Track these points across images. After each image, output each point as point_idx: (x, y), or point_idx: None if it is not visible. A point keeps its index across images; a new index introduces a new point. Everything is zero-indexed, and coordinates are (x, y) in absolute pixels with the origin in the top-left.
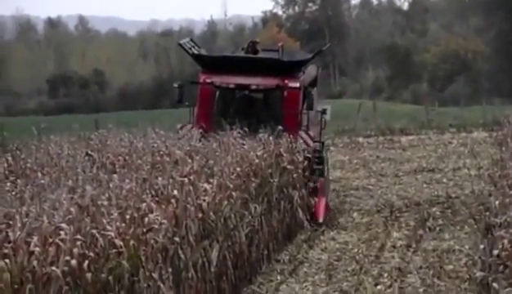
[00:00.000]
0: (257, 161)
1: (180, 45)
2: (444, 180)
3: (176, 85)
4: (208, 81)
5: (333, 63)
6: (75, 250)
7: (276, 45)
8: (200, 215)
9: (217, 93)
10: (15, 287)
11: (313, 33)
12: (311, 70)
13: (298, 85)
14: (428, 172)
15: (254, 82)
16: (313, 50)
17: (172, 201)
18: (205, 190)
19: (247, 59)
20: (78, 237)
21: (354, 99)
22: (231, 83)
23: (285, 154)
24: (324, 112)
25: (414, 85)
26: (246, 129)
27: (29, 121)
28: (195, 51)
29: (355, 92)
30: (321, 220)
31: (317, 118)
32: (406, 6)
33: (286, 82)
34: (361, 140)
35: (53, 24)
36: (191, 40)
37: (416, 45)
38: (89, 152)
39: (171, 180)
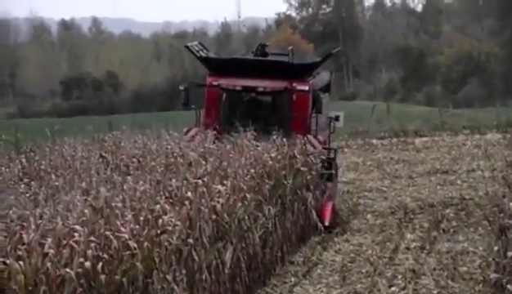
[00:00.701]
0: (270, 162)
1: (187, 47)
2: (458, 182)
3: (182, 87)
4: (214, 83)
5: (346, 65)
6: (89, 252)
7: (289, 47)
8: (214, 216)
9: (224, 96)
10: (30, 288)
11: (327, 34)
12: (323, 76)
13: (306, 88)
14: (442, 174)
15: (262, 84)
16: (327, 52)
17: (186, 203)
18: (219, 192)
19: (254, 61)
20: (92, 239)
21: (368, 101)
22: (237, 85)
23: (298, 156)
24: (337, 118)
25: (427, 87)
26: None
27: (42, 123)
28: (203, 54)
29: (368, 94)
30: (326, 224)
31: (326, 123)
32: (419, 8)
33: (295, 84)
34: (374, 141)
35: (67, 26)
36: (200, 43)
37: (430, 47)
38: (103, 154)
39: (185, 182)
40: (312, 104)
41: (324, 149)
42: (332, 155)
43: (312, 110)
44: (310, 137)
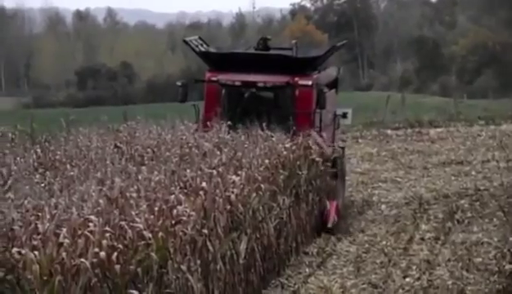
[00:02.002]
0: (285, 153)
1: (185, 42)
2: (473, 173)
3: (179, 83)
4: (212, 79)
5: (361, 55)
6: (104, 242)
7: (293, 41)
8: (229, 207)
9: (224, 92)
10: (45, 278)
11: (341, 25)
12: (330, 71)
13: (310, 83)
14: (456, 165)
15: (262, 79)
16: (342, 43)
17: (201, 193)
18: (234, 182)
19: (254, 55)
20: (107, 229)
21: (382, 91)
22: (236, 81)
23: (313, 146)
24: (345, 115)
25: (442, 77)
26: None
27: (57, 113)
28: (202, 49)
29: (383, 85)
30: (329, 226)
31: (331, 119)
32: None
33: (297, 79)
34: (389, 132)
35: (82, 16)
36: (199, 38)
37: (445, 37)
38: (118, 144)
39: (199, 172)
40: (316, 99)
41: (330, 146)
42: (337, 153)
43: (316, 106)
44: (313, 134)
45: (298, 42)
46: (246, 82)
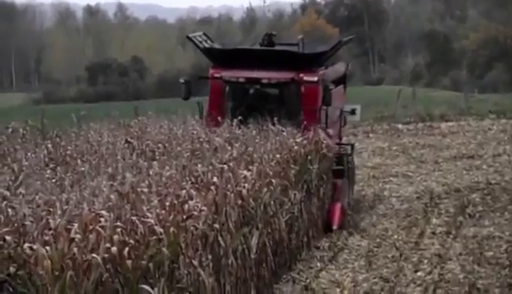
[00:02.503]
0: (296, 148)
1: (189, 38)
2: (484, 167)
3: (182, 81)
4: (216, 75)
5: (372, 50)
6: (115, 237)
7: (299, 36)
8: (240, 202)
9: (228, 89)
10: (56, 273)
11: (352, 19)
12: (338, 67)
13: (315, 79)
14: (467, 159)
15: (266, 75)
16: (351, 37)
17: (212, 188)
18: (245, 177)
19: (259, 51)
20: (119, 224)
21: (393, 85)
22: (240, 77)
23: (324, 141)
24: (353, 112)
25: (453, 71)
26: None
27: (68, 108)
28: (206, 45)
29: (394, 79)
30: (335, 227)
31: (338, 116)
32: None
33: (302, 75)
34: (400, 126)
35: (92, 11)
36: (204, 34)
37: (456, 31)
38: (129, 139)
39: (211, 167)
40: (322, 96)
41: (337, 144)
42: (344, 151)
43: (322, 103)
44: (319, 131)
45: (307, 37)
46: (250, 78)
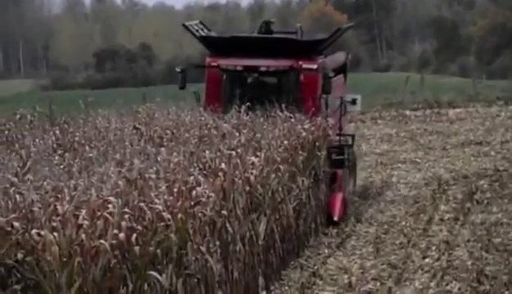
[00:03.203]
0: (304, 134)
1: (185, 26)
2: (492, 153)
3: (178, 69)
4: (213, 64)
5: (379, 36)
6: (123, 223)
7: (298, 24)
8: (248, 188)
9: (225, 77)
10: (64, 260)
11: (360, 5)
12: (338, 56)
13: (315, 67)
14: (475, 145)
15: (265, 63)
16: (361, 23)
17: (220, 174)
18: (253, 163)
19: (257, 39)
20: (126, 210)
21: (401, 72)
22: (238, 65)
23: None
24: (354, 101)
25: (461, 58)
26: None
27: (76, 95)
28: (203, 34)
29: (402, 65)
30: (335, 219)
31: (338, 105)
32: None
33: (301, 63)
34: (408, 113)
35: None
36: (201, 22)
37: (463, 18)
38: (137, 125)
39: (218, 154)
40: (322, 84)
41: (338, 134)
42: (344, 141)
43: (322, 91)
44: (319, 120)
45: (315, 23)
46: (248, 66)
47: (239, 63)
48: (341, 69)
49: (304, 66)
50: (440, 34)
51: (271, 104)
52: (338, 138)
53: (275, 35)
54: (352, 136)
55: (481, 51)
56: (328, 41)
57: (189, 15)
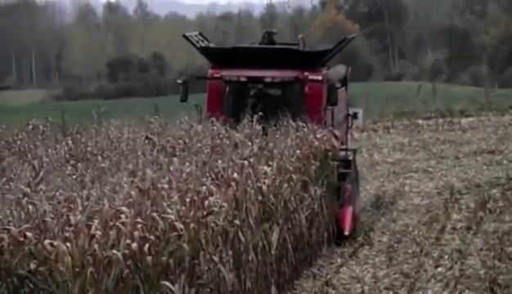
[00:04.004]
0: (316, 143)
1: (185, 37)
2: (504, 162)
3: (180, 81)
4: (216, 75)
5: (392, 45)
6: (136, 233)
7: (299, 36)
8: (260, 197)
9: (228, 89)
10: (77, 270)
11: (372, 15)
12: (339, 69)
13: (320, 78)
14: (488, 154)
15: (269, 74)
16: (373, 33)
17: (233, 184)
18: (265, 173)
19: (260, 50)
20: (139, 220)
21: (413, 81)
22: (241, 77)
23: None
24: (355, 116)
25: (473, 67)
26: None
27: (89, 104)
28: (203, 45)
29: (414, 74)
30: (346, 233)
31: (344, 117)
32: None
33: (306, 74)
34: (420, 122)
35: (112, 7)
36: (200, 34)
37: (475, 27)
38: (149, 135)
39: (231, 163)
40: (326, 96)
41: (342, 149)
42: (351, 156)
43: (327, 103)
44: (326, 132)
45: (327, 33)
46: (252, 77)
47: (242, 74)
48: (342, 82)
49: (310, 77)
50: (452, 43)
51: (276, 116)
52: (344, 152)
53: (278, 46)
54: (354, 150)
55: (493, 60)
56: (332, 51)
57: (201, 25)
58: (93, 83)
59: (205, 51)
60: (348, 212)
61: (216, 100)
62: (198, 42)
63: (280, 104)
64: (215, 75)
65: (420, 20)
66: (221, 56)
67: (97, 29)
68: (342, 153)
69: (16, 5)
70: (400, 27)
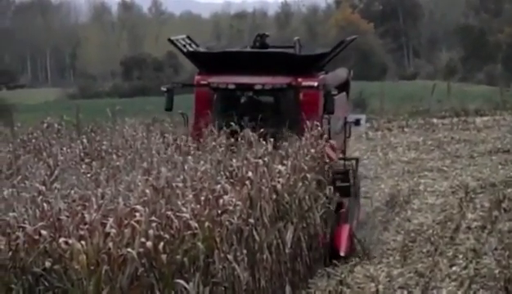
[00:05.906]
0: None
1: (171, 41)
2: None
3: (164, 89)
4: (203, 82)
5: (406, 44)
6: (150, 231)
7: (295, 38)
8: (275, 196)
9: (216, 97)
10: (91, 268)
11: (387, 14)
12: (340, 73)
13: (315, 84)
14: (503, 153)
15: (260, 81)
16: (387, 32)
17: (247, 182)
18: (279, 172)
19: (250, 54)
20: (154, 218)
21: (428, 80)
22: (230, 83)
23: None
24: (357, 122)
25: (488, 66)
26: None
27: (103, 103)
28: (190, 49)
29: (429, 73)
30: (342, 254)
31: (342, 125)
32: None
33: (301, 80)
34: (435, 121)
35: (127, 6)
36: (188, 37)
37: (490, 25)
38: (164, 134)
39: (245, 162)
40: (323, 103)
41: (341, 158)
42: (350, 167)
43: (324, 111)
44: (321, 143)
45: (341, 32)
46: (242, 84)
47: (231, 81)
48: (343, 87)
49: (304, 83)
50: (467, 42)
51: (268, 126)
52: (342, 163)
53: (270, 49)
54: (356, 160)
55: (508, 59)
56: (330, 55)
57: (216, 24)
58: (108, 82)
59: (192, 56)
60: (345, 231)
61: (203, 109)
62: (185, 46)
63: (273, 113)
64: (202, 82)
65: (435, 18)
66: (209, 62)
67: (112, 28)
68: (341, 164)
69: (31, 4)
70: (415, 26)
